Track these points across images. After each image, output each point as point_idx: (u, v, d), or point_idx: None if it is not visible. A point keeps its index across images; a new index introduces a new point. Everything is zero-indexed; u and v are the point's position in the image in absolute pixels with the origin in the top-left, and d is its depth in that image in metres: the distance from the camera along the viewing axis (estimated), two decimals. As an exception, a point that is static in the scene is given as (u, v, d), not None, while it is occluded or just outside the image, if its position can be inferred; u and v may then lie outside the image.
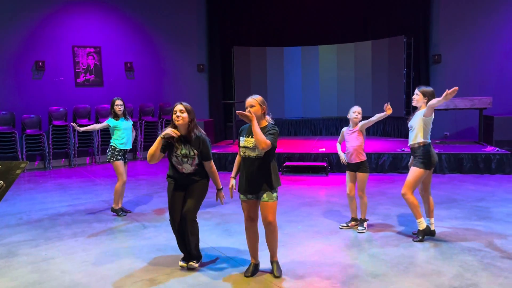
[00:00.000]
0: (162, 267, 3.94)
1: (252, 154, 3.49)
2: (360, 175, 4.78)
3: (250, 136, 3.49)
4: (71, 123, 6.53)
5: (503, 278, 3.52)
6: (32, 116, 9.64)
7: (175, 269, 3.87)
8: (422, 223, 4.42)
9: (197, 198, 3.89)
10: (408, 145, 4.51)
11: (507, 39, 9.72)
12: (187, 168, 3.86)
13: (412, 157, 4.51)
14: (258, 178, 3.50)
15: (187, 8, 11.76)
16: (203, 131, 3.92)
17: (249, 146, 3.49)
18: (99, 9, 10.56)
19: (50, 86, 10.01)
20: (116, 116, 5.71)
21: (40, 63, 9.79)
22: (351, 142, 4.79)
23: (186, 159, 3.81)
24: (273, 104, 12.58)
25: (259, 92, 13.23)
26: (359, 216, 4.89)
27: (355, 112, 4.76)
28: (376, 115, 4.68)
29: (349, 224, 4.90)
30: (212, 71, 12.08)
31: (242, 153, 3.57)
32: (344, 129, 4.91)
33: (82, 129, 5.96)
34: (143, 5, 11.12)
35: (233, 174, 3.77)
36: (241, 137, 3.59)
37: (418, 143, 4.37)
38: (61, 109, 9.92)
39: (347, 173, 4.88)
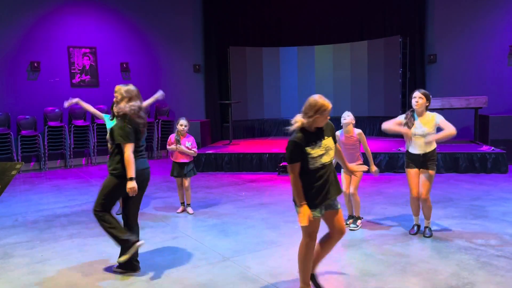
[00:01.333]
0: (159, 267, 3.92)
1: (328, 159, 3.10)
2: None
3: (315, 143, 3.07)
4: (66, 103, 5.58)
5: (499, 276, 3.53)
6: (27, 117, 9.59)
7: (172, 270, 3.86)
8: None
9: (101, 191, 3.72)
10: (422, 152, 4.40)
11: (502, 39, 9.75)
12: (109, 146, 3.82)
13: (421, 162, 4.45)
14: (336, 181, 3.20)
15: (183, 8, 11.73)
16: (131, 112, 3.70)
17: (322, 153, 3.06)
18: (94, 9, 10.52)
19: (46, 87, 9.96)
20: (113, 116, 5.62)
21: (35, 64, 9.74)
22: (345, 147, 4.86)
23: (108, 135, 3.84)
24: (269, 104, 12.59)
25: (255, 92, 13.24)
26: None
27: (344, 117, 4.87)
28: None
29: (348, 222, 4.92)
30: (208, 71, 12.06)
31: (317, 164, 3.05)
32: (338, 132, 4.87)
33: (75, 100, 5.47)
34: (139, 5, 11.08)
35: (304, 200, 3.10)
36: (307, 148, 3.03)
37: (433, 150, 4.42)
38: (56, 110, 9.87)
39: (343, 171, 4.89)
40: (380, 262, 3.90)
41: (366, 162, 4.78)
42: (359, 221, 4.90)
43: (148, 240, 4.69)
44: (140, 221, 5.38)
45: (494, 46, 9.87)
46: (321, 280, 3.55)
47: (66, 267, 4.00)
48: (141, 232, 4.96)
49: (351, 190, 4.85)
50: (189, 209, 5.73)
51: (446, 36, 10.46)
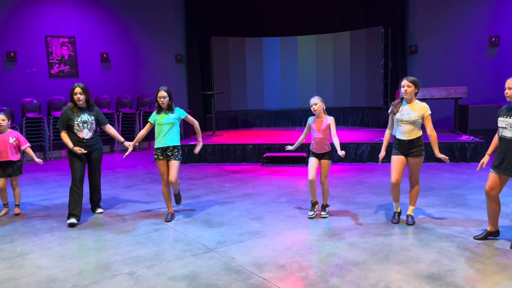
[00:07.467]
0: (142, 260, 3.88)
1: (509, 135, 3.80)
2: (324, 162, 4.85)
3: (508, 117, 3.81)
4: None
5: (479, 263, 3.60)
6: (4, 108, 9.29)
7: (155, 262, 3.82)
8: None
9: (99, 163, 5.24)
10: (407, 138, 4.50)
11: (482, 30, 9.88)
12: (86, 133, 4.95)
13: (397, 150, 4.57)
14: None
15: (164, -2, 11.55)
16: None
17: (505, 127, 3.83)
18: (72, -2, 10.27)
19: (23, 77, 9.71)
20: (159, 109, 5.14)
21: (12, 54, 9.47)
22: (316, 133, 4.86)
23: (86, 125, 4.94)
24: (252, 95, 12.54)
25: (238, 82, 13.17)
26: (320, 202, 5.03)
27: (311, 105, 4.85)
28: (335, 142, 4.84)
29: (314, 212, 4.99)
30: (190, 62, 11.93)
31: (499, 133, 3.91)
32: (310, 119, 4.96)
33: (131, 144, 5.28)
34: (119, -6, 10.87)
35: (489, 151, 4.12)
36: (500, 118, 3.90)
37: (418, 137, 4.53)
38: (34, 101, 9.64)
39: (312, 159, 4.90)
40: (363, 251, 3.93)
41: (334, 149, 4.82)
42: (327, 209, 5.00)
43: (130, 232, 4.63)
44: (122, 213, 5.33)
45: (474, 37, 10.00)
46: (304, 270, 3.57)
47: (46, 261, 3.92)
48: (123, 224, 4.92)
49: (322, 178, 4.87)
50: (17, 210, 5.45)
51: (427, 27, 10.55)
